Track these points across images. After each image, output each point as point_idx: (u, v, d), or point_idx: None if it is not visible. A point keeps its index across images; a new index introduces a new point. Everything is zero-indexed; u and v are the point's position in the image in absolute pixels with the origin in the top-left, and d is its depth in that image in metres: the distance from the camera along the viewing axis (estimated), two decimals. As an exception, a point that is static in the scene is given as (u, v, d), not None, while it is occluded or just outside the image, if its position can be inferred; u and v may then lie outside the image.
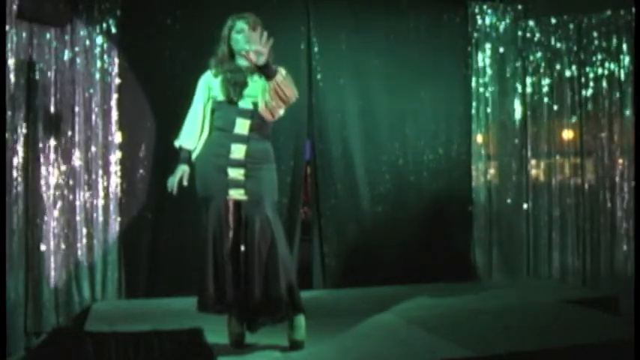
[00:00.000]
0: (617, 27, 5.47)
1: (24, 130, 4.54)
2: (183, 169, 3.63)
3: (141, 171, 5.02)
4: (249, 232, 3.48)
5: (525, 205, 5.85)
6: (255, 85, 3.58)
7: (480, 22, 5.83)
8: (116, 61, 4.98)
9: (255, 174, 3.54)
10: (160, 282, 4.97)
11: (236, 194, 3.52)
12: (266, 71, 3.43)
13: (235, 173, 3.53)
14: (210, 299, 3.49)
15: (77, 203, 4.84)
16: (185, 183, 3.62)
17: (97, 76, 4.92)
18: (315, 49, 5.38)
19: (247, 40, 3.54)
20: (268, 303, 3.45)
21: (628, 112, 5.42)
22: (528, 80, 5.85)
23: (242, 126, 3.57)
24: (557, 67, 5.74)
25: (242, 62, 3.59)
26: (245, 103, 3.58)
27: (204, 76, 3.70)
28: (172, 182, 3.61)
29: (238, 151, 3.54)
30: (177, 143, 3.68)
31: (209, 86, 3.66)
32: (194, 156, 3.65)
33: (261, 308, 3.46)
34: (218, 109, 3.63)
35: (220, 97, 3.60)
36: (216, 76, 3.62)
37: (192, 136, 3.65)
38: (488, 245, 5.77)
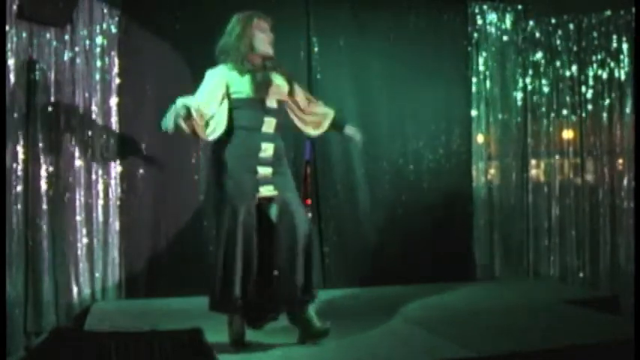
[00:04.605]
0: (617, 27, 5.47)
1: (24, 130, 4.55)
2: (178, 109, 3.35)
3: (141, 171, 5.02)
4: (283, 226, 3.51)
5: (525, 205, 5.85)
6: (279, 84, 3.64)
7: (480, 22, 5.83)
8: (116, 61, 4.97)
9: (281, 170, 3.62)
10: (160, 282, 4.97)
11: (266, 191, 3.55)
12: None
13: (265, 171, 3.56)
14: (236, 299, 3.44)
15: (77, 203, 4.83)
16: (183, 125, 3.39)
17: (97, 76, 4.91)
18: (315, 49, 5.38)
19: (269, 41, 3.61)
20: (305, 292, 3.52)
21: (628, 112, 5.42)
22: (528, 80, 5.86)
23: (269, 124, 3.59)
24: (557, 67, 5.74)
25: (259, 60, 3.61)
26: (271, 102, 3.61)
27: (218, 70, 3.58)
28: (167, 123, 3.41)
29: (268, 149, 3.58)
30: (180, 102, 3.37)
31: (228, 82, 3.56)
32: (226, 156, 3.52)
33: (291, 300, 3.50)
34: (242, 108, 3.56)
35: (245, 95, 3.55)
36: (242, 73, 3.55)
37: (206, 104, 3.42)
38: (488, 245, 5.78)
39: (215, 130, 3.49)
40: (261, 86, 3.56)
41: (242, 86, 3.56)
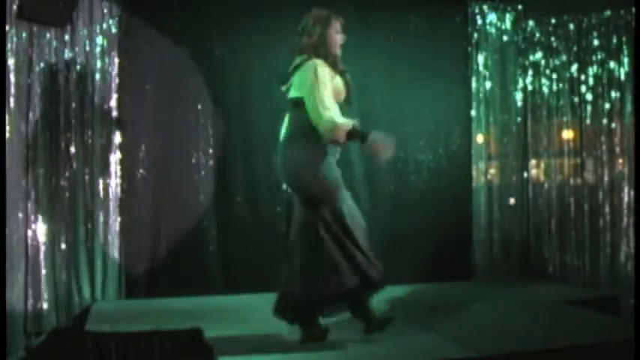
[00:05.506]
0: (617, 27, 5.47)
1: (24, 130, 4.54)
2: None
3: (141, 171, 5.02)
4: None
5: (525, 205, 5.85)
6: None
7: (479, 22, 5.82)
8: (116, 61, 4.97)
9: None
10: (160, 282, 4.97)
11: None
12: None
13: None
14: (377, 273, 3.50)
15: (77, 203, 4.83)
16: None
17: (97, 76, 4.92)
18: (315, 49, 5.37)
19: (341, 43, 3.55)
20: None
21: (628, 112, 5.42)
22: (528, 80, 5.86)
23: None
24: (558, 67, 5.74)
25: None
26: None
27: (321, 64, 3.45)
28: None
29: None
30: (350, 123, 3.40)
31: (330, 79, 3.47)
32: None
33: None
34: None
35: (337, 98, 3.49)
36: (338, 74, 3.49)
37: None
38: (488, 245, 5.77)
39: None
40: (350, 91, 3.54)
41: (338, 88, 3.50)
